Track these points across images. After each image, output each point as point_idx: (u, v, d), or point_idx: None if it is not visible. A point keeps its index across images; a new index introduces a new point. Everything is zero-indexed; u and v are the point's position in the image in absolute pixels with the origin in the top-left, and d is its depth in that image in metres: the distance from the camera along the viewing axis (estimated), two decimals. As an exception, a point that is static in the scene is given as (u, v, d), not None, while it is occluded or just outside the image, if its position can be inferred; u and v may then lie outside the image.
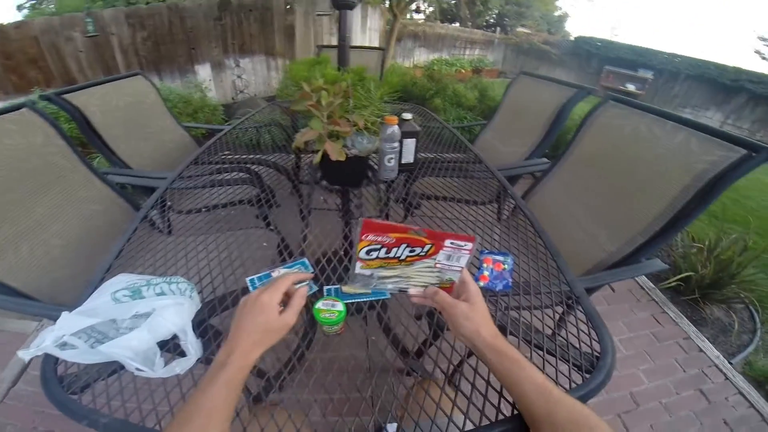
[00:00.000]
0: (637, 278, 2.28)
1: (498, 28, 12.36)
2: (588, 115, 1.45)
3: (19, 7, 4.95)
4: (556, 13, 15.77)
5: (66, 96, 1.44)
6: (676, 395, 1.62)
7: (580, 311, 0.81)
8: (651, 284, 2.27)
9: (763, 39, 11.41)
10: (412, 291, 0.65)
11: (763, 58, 11.41)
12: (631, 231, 1.13)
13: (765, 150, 0.88)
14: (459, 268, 0.63)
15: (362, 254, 0.61)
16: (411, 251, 0.60)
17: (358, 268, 0.63)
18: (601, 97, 1.44)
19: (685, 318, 2.04)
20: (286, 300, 0.61)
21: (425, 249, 0.60)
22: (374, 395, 0.65)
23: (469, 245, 0.59)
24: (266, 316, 0.56)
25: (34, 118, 1.22)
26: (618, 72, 9.79)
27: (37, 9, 4.74)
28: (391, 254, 0.61)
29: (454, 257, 0.61)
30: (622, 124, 1.29)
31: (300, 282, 0.67)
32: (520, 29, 12.07)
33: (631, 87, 9.53)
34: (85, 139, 1.54)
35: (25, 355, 0.60)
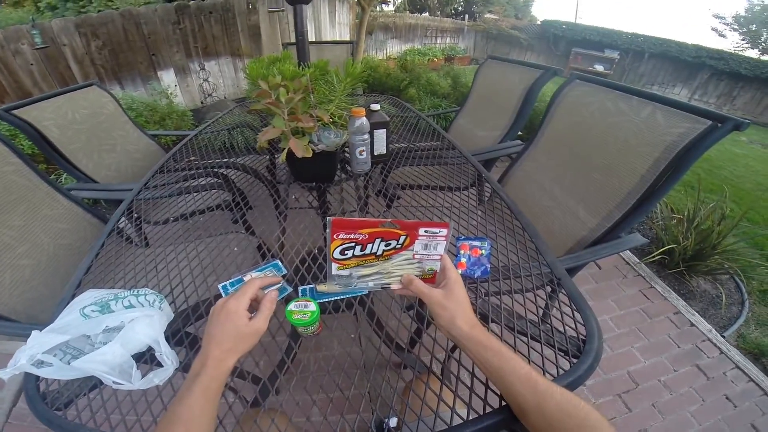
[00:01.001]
0: (621, 254, 2.27)
1: (466, 16, 12.42)
2: (556, 95, 1.45)
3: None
4: (522, -2, 15.96)
5: (16, 111, 1.36)
6: (674, 372, 1.61)
7: (563, 293, 0.79)
8: (636, 259, 2.27)
9: (718, 17, 11.82)
10: (393, 286, 0.63)
11: (721, 35, 11.84)
12: (607, 205, 1.13)
13: (730, 120, 0.89)
14: (438, 257, 0.61)
15: (336, 254, 0.58)
16: (387, 245, 0.58)
17: (335, 269, 0.61)
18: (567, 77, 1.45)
19: (673, 292, 2.03)
20: (256, 305, 0.59)
21: (400, 241, 0.58)
22: (357, 393, 0.64)
23: (444, 231, 0.58)
24: (234, 323, 0.54)
25: (-19, 137, 1.15)
26: (586, 53, 9.98)
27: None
28: (367, 251, 0.58)
29: (431, 245, 0.59)
30: (589, 101, 1.30)
31: (268, 286, 0.65)
32: (487, 16, 12.17)
33: (599, 67, 9.75)
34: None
35: (2, 374, 0.60)
